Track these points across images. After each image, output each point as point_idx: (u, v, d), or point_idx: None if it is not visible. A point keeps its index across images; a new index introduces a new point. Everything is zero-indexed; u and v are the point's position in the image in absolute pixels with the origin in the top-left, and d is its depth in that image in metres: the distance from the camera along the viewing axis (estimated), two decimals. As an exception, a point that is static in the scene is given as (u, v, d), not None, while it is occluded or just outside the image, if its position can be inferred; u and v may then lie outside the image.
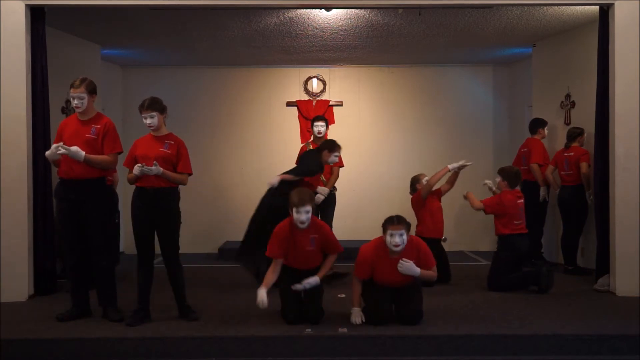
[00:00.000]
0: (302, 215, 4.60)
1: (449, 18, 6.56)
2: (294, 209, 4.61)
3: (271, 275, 4.68)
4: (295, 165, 6.24)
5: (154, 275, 4.82)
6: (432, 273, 4.73)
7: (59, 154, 4.57)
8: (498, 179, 6.02)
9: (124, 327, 4.58)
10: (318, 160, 6.08)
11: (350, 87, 9.08)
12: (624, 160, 5.65)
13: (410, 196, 6.40)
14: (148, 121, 4.67)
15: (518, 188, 6.02)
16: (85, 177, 4.69)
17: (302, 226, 4.65)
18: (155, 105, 4.70)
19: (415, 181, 6.38)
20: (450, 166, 6.25)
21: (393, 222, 4.53)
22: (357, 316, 4.62)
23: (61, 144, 4.57)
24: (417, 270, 4.57)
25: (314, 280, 4.66)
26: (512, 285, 5.77)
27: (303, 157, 6.38)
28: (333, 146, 6.14)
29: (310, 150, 6.46)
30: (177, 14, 6.32)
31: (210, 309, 5.09)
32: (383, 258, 4.62)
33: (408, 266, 4.55)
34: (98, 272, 4.86)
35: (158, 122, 4.69)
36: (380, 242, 4.65)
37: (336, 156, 6.17)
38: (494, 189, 6.27)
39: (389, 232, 4.53)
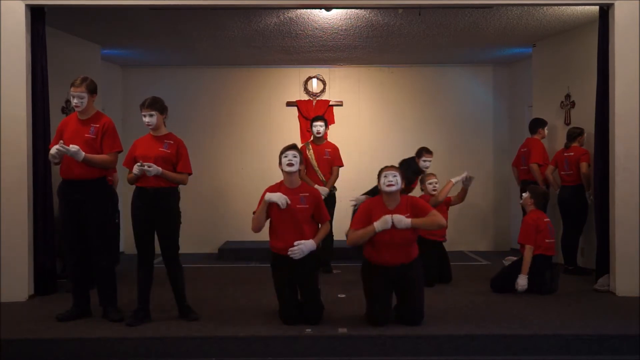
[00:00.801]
0: (289, 157, 4.63)
1: (449, 18, 6.56)
2: (282, 157, 4.66)
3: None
4: None
5: (153, 276, 4.82)
6: (433, 217, 4.57)
7: (57, 148, 4.56)
8: (526, 195, 5.95)
9: (124, 327, 4.57)
10: (415, 167, 6.45)
11: (350, 87, 9.08)
12: (624, 160, 5.65)
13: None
14: (147, 119, 4.67)
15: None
16: (86, 177, 4.70)
17: (290, 169, 4.63)
18: (155, 104, 4.70)
19: (421, 181, 6.37)
20: (453, 180, 6.32)
21: (387, 166, 4.67)
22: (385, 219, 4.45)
23: (61, 142, 4.57)
24: (408, 221, 4.49)
25: (309, 243, 4.58)
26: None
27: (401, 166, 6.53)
28: (420, 152, 6.57)
29: (405, 159, 6.61)
30: (177, 14, 6.32)
31: (210, 309, 5.09)
32: (379, 209, 4.60)
33: (399, 218, 4.50)
34: (98, 272, 4.86)
35: (157, 122, 4.70)
36: (376, 197, 4.74)
37: (425, 161, 6.52)
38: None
39: (383, 174, 4.61)
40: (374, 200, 4.75)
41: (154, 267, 4.82)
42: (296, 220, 4.62)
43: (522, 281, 5.61)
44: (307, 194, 4.70)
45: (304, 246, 4.56)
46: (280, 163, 4.69)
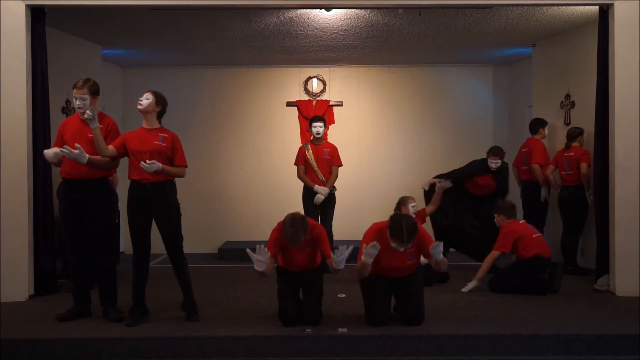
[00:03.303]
0: (294, 247, 4.63)
1: (449, 18, 6.56)
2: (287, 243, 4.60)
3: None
4: None
5: (149, 273, 4.80)
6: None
7: (61, 152, 4.55)
8: (496, 217, 6.01)
9: (124, 327, 4.57)
10: (484, 164, 6.78)
11: (350, 87, 9.08)
12: (624, 160, 5.65)
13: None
14: (140, 99, 4.64)
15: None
16: (89, 177, 4.69)
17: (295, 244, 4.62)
18: (156, 92, 4.70)
19: (400, 203, 6.09)
20: (423, 186, 6.65)
21: (402, 240, 4.38)
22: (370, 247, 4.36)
23: (65, 146, 4.56)
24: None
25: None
26: (515, 290, 5.74)
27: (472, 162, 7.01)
28: (488, 152, 6.80)
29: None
30: (177, 14, 6.32)
31: (210, 309, 5.09)
32: (385, 240, 4.52)
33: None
34: (99, 272, 4.86)
35: (148, 106, 4.63)
36: (384, 226, 4.58)
37: (491, 162, 6.67)
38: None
39: (392, 244, 4.46)
40: (382, 232, 4.56)
41: (149, 263, 4.81)
42: (302, 258, 4.72)
43: (469, 285, 5.83)
44: (310, 237, 4.65)
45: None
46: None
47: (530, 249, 5.71)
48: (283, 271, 4.80)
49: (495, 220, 6.04)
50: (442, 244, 4.49)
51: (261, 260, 4.40)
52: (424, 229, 4.74)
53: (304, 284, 4.78)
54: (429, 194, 6.75)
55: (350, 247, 4.44)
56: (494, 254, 5.81)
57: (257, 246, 4.41)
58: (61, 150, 4.55)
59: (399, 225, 4.37)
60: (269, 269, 4.49)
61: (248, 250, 4.46)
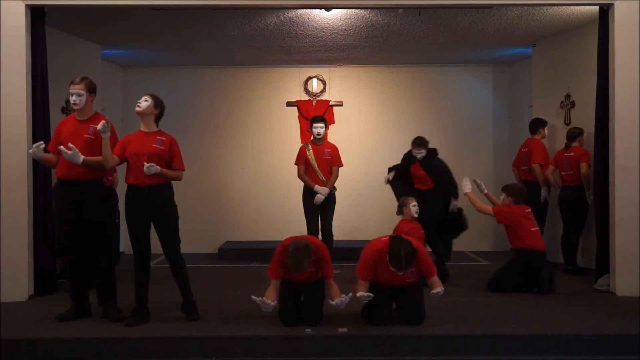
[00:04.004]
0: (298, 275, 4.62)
1: (449, 18, 6.56)
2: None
3: (272, 294, 4.59)
4: None
5: (151, 274, 4.80)
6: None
7: (60, 150, 4.55)
8: (502, 196, 6.00)
9: (124, 327, 4.58)
10: (410, 153, 6.78)
11: (350, 87, 9.09)
12: (624, 160, 5.65)
13: (397, 216, 6.26)
14: (139, 101, 4.65)
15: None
16: (84, 177, 4.68)
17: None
18: (155, 96, 4.71)
19: (402, 205, 6.13)
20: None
21: (401, 267, 4.36)
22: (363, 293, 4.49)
23: (61, 147, 4.56)
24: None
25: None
26: (514, 289, 5.75)
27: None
28: (412, 143, 6.75)
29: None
30: (177, 14, 6.32)
31: (210, 309, 5.08)
32: (384, 262, 4.51)
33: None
34: (98, 272, 4.86)
35: (146, 109, 4.64)
36: (383, 247, 4.54)
37: (415, 152, 6.67)
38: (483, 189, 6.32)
39: (391, 269, 4.45)
40: (380, 249, 4.56)
41: (150, 265, 4.82)
42: (304, 276, 4.67)
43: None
44: (314, 258, 4.60)
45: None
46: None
47: (525, 239, 5.75)
48: (284, 280, 4.78)
49: (501, 198, 6.03)
50: (442, 290, 4.57)
51: (266, 307, 4.48)
52: (423, 249, 4.72)
53: (305, 290, 4.80)
54: (395, 185, 6.72)
55: (350, 295, 4.51)
56: (488, 209, 5.95)
57: (260, 299, 4.45)
58: (60, 149, 4.54)
59: (397, 253, 4.34)
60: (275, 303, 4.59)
61: (253, 297, 4.50)
